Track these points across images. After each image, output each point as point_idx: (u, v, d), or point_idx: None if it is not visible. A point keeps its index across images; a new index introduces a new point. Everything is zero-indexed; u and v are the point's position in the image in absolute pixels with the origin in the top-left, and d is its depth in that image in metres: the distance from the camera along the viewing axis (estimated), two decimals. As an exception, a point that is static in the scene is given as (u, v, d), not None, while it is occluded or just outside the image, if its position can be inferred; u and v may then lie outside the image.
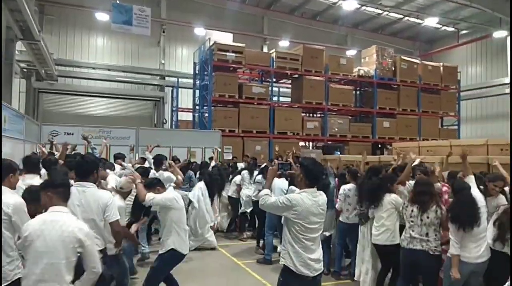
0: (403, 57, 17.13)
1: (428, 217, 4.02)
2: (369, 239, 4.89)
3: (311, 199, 3.07)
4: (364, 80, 16.43)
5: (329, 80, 15.70)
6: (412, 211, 4.12)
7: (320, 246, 3.23)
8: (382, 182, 4.79)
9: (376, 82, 16.15)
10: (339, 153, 13.61)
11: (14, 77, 11.97)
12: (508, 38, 18.44)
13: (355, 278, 5.23)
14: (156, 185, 4.25)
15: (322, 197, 3.18)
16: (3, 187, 3.11)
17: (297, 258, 3.02)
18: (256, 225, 7.98)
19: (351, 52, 20.16)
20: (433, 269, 4.03)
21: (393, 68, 16.57)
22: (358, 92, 17.74)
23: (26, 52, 14.07)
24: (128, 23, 14.69)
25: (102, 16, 17.00)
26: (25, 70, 16.10)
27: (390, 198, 4.63)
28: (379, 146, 16.49)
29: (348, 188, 5.67)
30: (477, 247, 3.73)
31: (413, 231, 4.07)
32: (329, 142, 15.53)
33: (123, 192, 4.30)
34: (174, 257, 4.15)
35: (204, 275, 5.99)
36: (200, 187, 7.40)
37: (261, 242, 7.19)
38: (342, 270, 5.91)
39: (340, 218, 5.71)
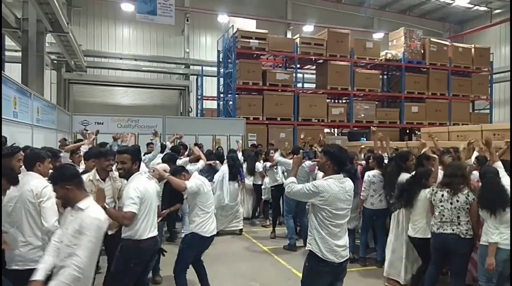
0: (432, 39, 16.54)
1: (458, 200, 3.96)
2: (404, 227, 4.83)
3: (338, 185, 3.06)
4: (391, 64, 16.00)
5: (355, 65, 15.38)
6: (442, 195, 4.07)
7: (347, 232, 3.22)
8: (415, 180, 4.61)
9: (404, 66, 15.70)
10: (365, 139, 13.39)
11: (45, 69, 12.37)
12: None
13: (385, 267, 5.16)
14: (180, 172, 4.34)
15: (349, 183, 3.17)
16: (32, 173, 3.28)
17: (323, 244, 3.03)
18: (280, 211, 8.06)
19: (378, 35, 19.61)
20: (464, 253, 3.97)
21: (422, 51, 16.03)
22: (385, 76, 17.31)
23: (56, 44, 14.49)
24: (152, 13, 14.80)
25: (127, 7, 17.24)
26: (55, 61, 16.62)
27: (425, 193, 4.44)
28: (407, 131, 16.10)
29: (372, 174, 5.61)
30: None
31: (443, 215, 4.02)
32: (355, 128, 15.30)
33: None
34: (195, 240, 4.21)
35: (230, 260, 6.12)
36: (223, 170, 7.53)
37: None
38: (368, 256, 5.88)
39: (365, 205, 5.66)
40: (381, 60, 15.61)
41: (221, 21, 18.43)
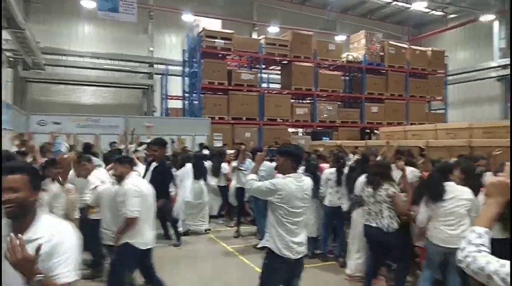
0: (391, 42, 17.23)
1: (380, 195, 4.30)
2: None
3: (295, 183, 3.14)
4: (353, 66, 16.53)
5: (318, 66, 15.77)
6: (369, 191, 4.44)
7: (304, 229, 3.33)
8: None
9: (364, 68, 16.27)
10: (327, 138, 13.77)
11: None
12: (496, 24, 18.62)
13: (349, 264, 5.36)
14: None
15: (306, 182, 3.26)
16: None
17: (280, 241, 3.11)
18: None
19: (340, 38, 20.17)
20: (391, 244, 4.25)
21: (382, 54, 16.68)
22: (347, 78, 17.85)
23: (12, 41, 13.87)
24: (114, 10, 14.49)
25: (88, 4, 16.72)
26: (11, 59, 15.88)
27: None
28: (368, 131, 16.70)
29: (329, 172, 5.83)
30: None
31: (370, 209, 4.40)
32: (319, 128, 15.70)
33: None
34: (131, 251, 3.74)
35: (193, 260, 6.14)
36: (187, 168, 7.54)
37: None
38: (328, 252, 6.10)
39: (325, 202, 5.86)
40: (343, 62, 16.10)
41: (186, 20, 18.28)
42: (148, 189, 3.90)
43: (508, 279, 1.19)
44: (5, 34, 12.45)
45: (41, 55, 15.86)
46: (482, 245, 1.34)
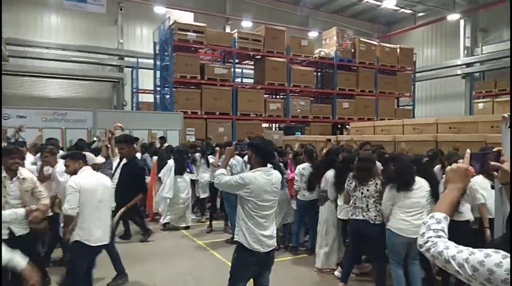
0: (361, 39, 17.53)
1: (368, 190, 4.34)
2: (328, 217, 5.21)
3: (264, 177, 3.15)
4: (324, 62, 16.72)
5: (291, 61, 15.86)
6: (355, 185, 4.44)
7: (274, 223, 3.34)
8: (344, 165, 5.06)
9: (336, 64, 16.48)
10: (299, 133, 13.91)
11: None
12: (462, 23, 19.24)
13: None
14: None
15: (276, 176, 3.27)
16: None
17: (249, 235, 3.12)
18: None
19: (312, 34, 20.34)
20: (376, 236, 4.26)
21: (353, 50, 16.95)
22: (319, 73, 18.05)
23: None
24: (82, 0, 14.02)
25: (54, -8, 16.12)
26: (-29, 49, 15.06)
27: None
28: (339, 126, 16.98)
29: (303, 166, 5.90)
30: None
31: (355, 203, 4.41)
32: (292, 123, 15.83)
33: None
34: (80, 249, 3.62)
35: (165, 256, 6.08)
36: (169, 164, 7.46)
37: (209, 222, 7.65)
38: (300, 245, 6.18)
39: (298, 196, 5.93)
40: (315, 57, 16.25)
41: (157, 12, 17.92)
42: (95, 184, 3.66)
43: (466, 264, 1.24)
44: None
45: (5, 46, 15.14)
46: (441, 230, 1.38)
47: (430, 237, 1.37)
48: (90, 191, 3.60)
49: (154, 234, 7.15)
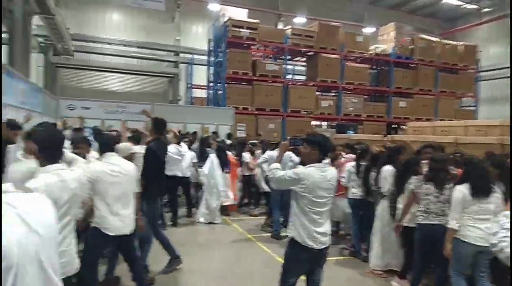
0: (421, 35, 16.71)
1: (443, 194, 4.03)
2: (384, 215, 4.98)
3: (319, 173, 3.09)
4: (380, 59, 16.14)
5: (345, 58, 15.48)
6: (428, 188, 4.13)
7: (328, 220, 3.27)
8: (407, 167, 4.67)
9: (393, 61, 15.86)
10: (352, 132, 13.55)
11: (32, 52, 12.12)
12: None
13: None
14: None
15: (331, 172, 3.21)
16: None
17: (303, 230, 3.08)
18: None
19: (368, 30, 19.72)
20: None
21: (411, 47, 16.21)
22: (374, 71, 17.47)
23: (44, 27, 14.20)
24: (142, -3, 14.63)
25: (117, -9, 16.97)
26: (42, 45, 16.28)
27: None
28: (394, 126, 16.33)
29: (352, 164, 5.77)
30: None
31: (428, 208, 4.10)
32: (343, 121, 15.47)
33: None
34: (97, 235, 3.56)
35: (215, 247, 6.18)
36: (212, 159, 7.55)
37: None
38: (351, 246, 5.97)
39: (349, 195, 5.77)
40: (370, 54, 15.73)
41: (212, 9, 18.26)
42: (104, 172, 3.51)
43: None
44: (37, 20, 12.74)
45: (71, 41, 16.19)
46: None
47: (505, 236, 1.25)
48: (106, 180, 3.50)
49: (202, 225, 7.32)
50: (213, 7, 18.01)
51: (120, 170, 3.61)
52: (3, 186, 1.24)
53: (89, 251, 3.59)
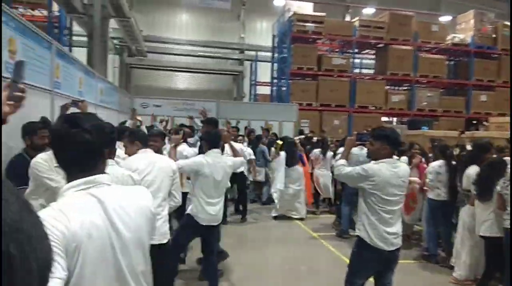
0: (506, 23, 15.07)
1: None
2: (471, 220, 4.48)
3: (390, 169, 2.89)
4: (459, 49, 14.85)
5: (419, 49, 14.49)
6: None
7: (400, 220, 3.03)
8: (493, 168, 4.10)
9: (473, 51, 14.52)
10: (427, 128, 12.61)
11: (109, 54, 12.94)
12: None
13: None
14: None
15: (403, 168, 2.99)
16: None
17: (372, 230, 2.89)
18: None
19: (444, 18, 18.27)
20: None
21: (494, 36, 14.71)
22: (451, 62, 16.14)
23: (119, 30, 15.13)
24: (209, -3, 14.97)
25: (186, -8, 17.53)
26: (118, 46, 17.39)
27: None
28: (474, 121, 14.94)
29: (438, 164, 5.26)
30: None
31: None
32: (416, 117, 14.50)
33: None
34: (190, 222, 3.80)
35: (280, 244, 6.12)
36: (281, 156, 7.48)
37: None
38: (425, 250, 5.52)
39: (430, 196, 5.31)
40: (447, 44, 14.55)
41: (277, 5, 18.14)
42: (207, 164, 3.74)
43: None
44: (113, 23, 13.57)
45: (143, 43, 17.09)
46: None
47: None
48: (205, 172, 3.69)
49: (267, 222, 7.25)
50: (278, 2, 17.87)
51: (221, 164, 3.81)
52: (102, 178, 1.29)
53: (180, 234, 3.86)
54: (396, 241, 2.93)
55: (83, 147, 1.25)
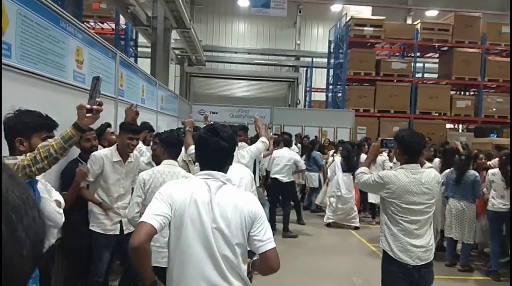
0: None
1: None
2: None
3: (409, 176, 2.68)
4: (533, 51, 13.61)
5: (487, 52, 13.52)
6: None
7: (430, 231, 2.76)
8: None
9: (551, 52, 13.22)
10: (495, 135, 11.68)
11: (170, 63, 13.65)
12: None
13: None
14: None
15: (427, 174, 2.73)
16: None
17: (394, 242, 2.69)
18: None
19: (517, 18, 16.86)
20: None
21: None
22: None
23: (180, 41, 15.88)
24: (266, 5, 15.13)
25: (243, 2, 17.94)
26: (179, 56, 18.24)
27: None
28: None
29: (492, 172, 4.93)
30: None
31: None
32: (484, 124, 13.49)
33: None
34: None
35: (333, 252, 6.02)
36: (336, 161, 7.44)
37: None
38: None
39: (489, 207, 4.95)
40: (520, 46, 13.39)
41: (334, 11, 17.95)
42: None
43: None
44: (174, 34, 14.28)
45: (203, 52, 17.76)
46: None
47: None
48: None
49: (320, 229, 7.16)
50: (335, 7, 17.66)
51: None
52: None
53: None
54: (424, 255, 2.68)
55: (220, 151, 1.77)
